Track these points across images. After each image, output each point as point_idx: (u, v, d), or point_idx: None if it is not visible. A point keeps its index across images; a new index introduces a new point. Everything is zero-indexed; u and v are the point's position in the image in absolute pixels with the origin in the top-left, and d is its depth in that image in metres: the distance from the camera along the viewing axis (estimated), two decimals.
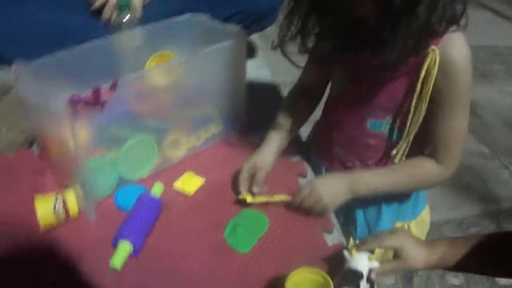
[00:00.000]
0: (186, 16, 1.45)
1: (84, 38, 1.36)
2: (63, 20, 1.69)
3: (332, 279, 0.93)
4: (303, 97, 1.39)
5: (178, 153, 1.34)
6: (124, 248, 1.03)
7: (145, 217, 1.12)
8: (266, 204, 1.21)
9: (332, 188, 1.19)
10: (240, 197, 1.20)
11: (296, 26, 1.07)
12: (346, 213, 1.37)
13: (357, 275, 0.96)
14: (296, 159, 1.40)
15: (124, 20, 1.57)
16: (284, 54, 1.12)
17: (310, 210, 1.18)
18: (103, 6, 1.72)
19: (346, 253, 1.01)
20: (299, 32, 1.08)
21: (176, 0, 1.71)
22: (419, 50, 1.03)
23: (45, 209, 1.10)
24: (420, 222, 1.41)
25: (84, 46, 1.30)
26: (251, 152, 1.28)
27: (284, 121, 1.32)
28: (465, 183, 2.99)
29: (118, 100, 1.12)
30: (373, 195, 1.24)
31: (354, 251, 1.00)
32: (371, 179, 1.23)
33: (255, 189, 1.22)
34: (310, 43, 1.10)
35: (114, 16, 1.63)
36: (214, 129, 1.40)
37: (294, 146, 1.42)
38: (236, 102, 1.43)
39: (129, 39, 1.46)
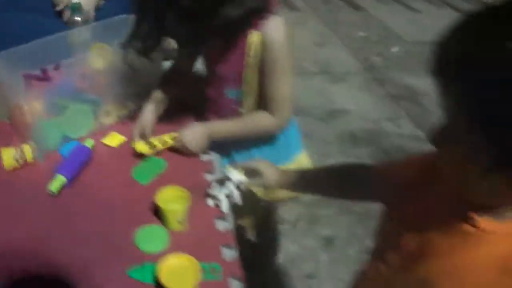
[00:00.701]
0: (122, 16, 1.88)
1: (48, 34, 1.79)
2: (33, 21, 2.13)
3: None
4: (174, 75, 1.82)
5: (110, 119, 1.80)
6: (59, 179, 1.49)
7: (78, 160, 1.58)
8: (162, 151, 1.66)
9: (194, 135, 1.63)
10: (138, 149, 1.64)
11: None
12: (229, 161, 1.79)
13: (228, 180, 1.41)
14: None
15: (77, 19, 2.02)
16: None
17: (184, 152, 1.64)
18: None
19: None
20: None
21: (121, 7, 2.14)
22: (232, 39, 1.47)
23: (8, 157, 1.57)
24: (298, 166, 1.81)
25: (46, 39, 1.72)
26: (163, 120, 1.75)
27: (158, 94, 1.75)
28: (391, 157, 3.36)
29: (64, 78, 1.59)
30: (227, 138, 1.66)
31: (228, 167, 1.44)
32: (222, 127, 1.66)
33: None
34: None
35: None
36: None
37: None
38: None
39: (79, 34, 1.90)
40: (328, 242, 2.78)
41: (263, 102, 1.61)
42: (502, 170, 0.74)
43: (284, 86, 1.56)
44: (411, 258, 0.98)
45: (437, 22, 5.57)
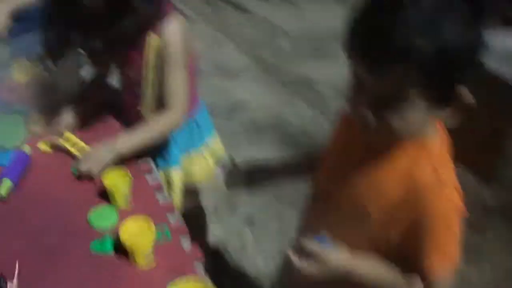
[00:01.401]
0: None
1: None
2: None
3: None
4: (93, 83, 2.01)
5: (40, 127, 1.93)
6: (6, 183, 1.63)
7: (19, 164, 1.72)
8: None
9: (96, 155, 1.67)
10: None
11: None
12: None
13: None
14: None
15: None
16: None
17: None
18: None
19: None
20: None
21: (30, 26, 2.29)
22: (131, 44, 1.66)
23: None
24: (212, 151, 2.05)
25: None
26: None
27: (79, 100, 1.90)
28: (295, 139, 3.69)
29: None
30: (135, 151, 1.70)
31: None
32: (127, 140, 1.71)
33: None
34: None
35: None
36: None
37: None
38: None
39: None
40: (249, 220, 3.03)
41: (162, 100, 1.74)
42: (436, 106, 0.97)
43: (178, 80, 1.69)
44: (343, 187, 1.22)
45: (321, 17, 6.02)
